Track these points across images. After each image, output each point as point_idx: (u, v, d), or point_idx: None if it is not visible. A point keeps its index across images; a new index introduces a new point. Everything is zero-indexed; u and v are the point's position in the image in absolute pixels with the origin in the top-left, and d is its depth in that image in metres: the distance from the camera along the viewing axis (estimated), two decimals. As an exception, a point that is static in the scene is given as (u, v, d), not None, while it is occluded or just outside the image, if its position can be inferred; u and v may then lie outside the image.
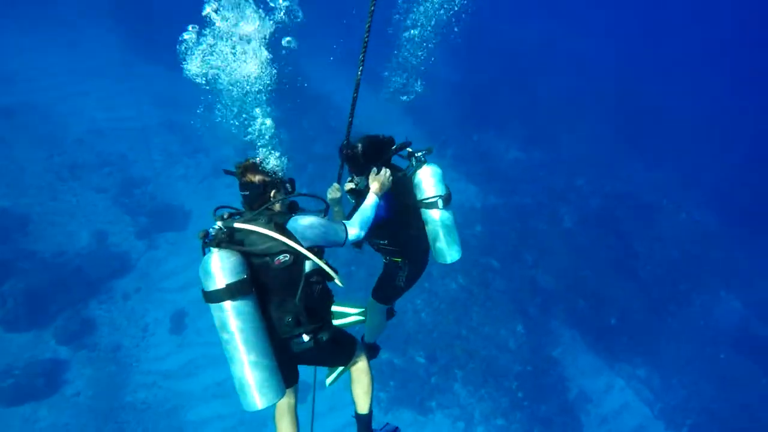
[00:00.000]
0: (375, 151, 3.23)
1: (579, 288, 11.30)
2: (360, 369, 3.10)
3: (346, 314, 4.17)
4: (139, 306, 9.96)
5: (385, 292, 3.72)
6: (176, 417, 8.53)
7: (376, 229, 3.25)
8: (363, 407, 3.13)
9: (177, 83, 15.44)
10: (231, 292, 2.25)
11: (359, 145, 3.23)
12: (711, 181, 16.43)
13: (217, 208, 2.45)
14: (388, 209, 3.21)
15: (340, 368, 3.92)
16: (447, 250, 3.40)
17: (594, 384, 10.31)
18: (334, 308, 4.14)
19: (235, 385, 2.36)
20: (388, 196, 3.19)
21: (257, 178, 2.50)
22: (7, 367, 8.18)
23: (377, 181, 2.97)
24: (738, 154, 18.67)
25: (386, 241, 3.44)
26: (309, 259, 2.46)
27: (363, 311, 4.23)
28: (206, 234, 2.34)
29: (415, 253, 3.51)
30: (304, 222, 2.47)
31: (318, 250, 2.52)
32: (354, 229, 2.68)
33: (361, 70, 2.66)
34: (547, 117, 17.53)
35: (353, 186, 3.33)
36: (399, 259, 3.49)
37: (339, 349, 2.90)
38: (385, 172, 3.03)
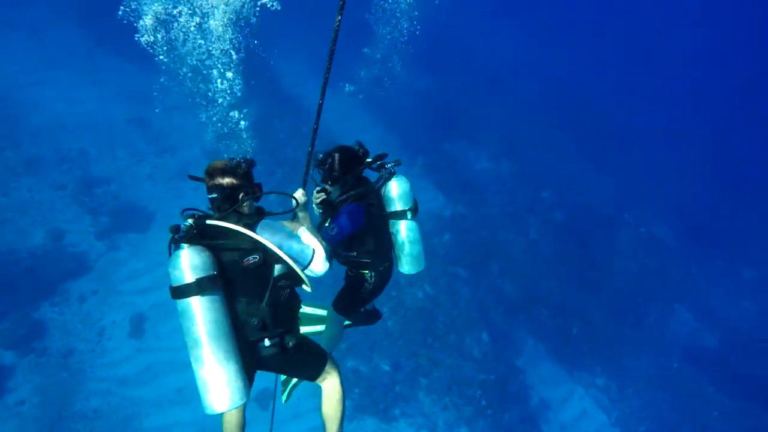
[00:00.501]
0: (350, 163, 3.24)
1: (543, 298, 11.57)
2: (331, 387, 2.94)
3: (316, 315, 4.13)
4: (96, 309, 9.56)
5: (348, 304, 3.71)
6: (131, 425, 8.20)
7: (346, 241, 3.25)
8: (333, 427, 3.00)
9: (144, 78, 15.02)
10: (200, 287, 2.22)
11: (336, 155, 3.22)
12: (670, 198, 17.19)
13: (184, 210, 2.40)
14: (359, 221, 3.20)
15: (294, 381, 3.83)
16: (411, 261, 3.50)
17: (555, 392, 10.55)
18: (305, 309, 4.09)
19: (198, 387, 2.28)
20: (358, 208, 3.18)
21: (225, 180, 2.46)
22: (-56, 373, 7.71)
23: (304, 220, 2.85)
24: (696, 174, 19.60)
25: (355, 253, 3.42)
26: (279, 261, 2.43)
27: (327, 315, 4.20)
28: (177, 229, 2.29)
29: (382, 264, 3.51)
30: (274, 226, 2.46)
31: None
32: (317, 263, 2.56)
33: (327, 78, 2.64)
34: (515, 129, 17.95)
35: (324, 197, 3.30)
36: (366, 271, 3.49)
37: (307, 359, 2.82)
38: (303, 212, 2.89)
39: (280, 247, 2.40)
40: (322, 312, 4.15)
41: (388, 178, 3.40)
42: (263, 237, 2.35)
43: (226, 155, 2.62)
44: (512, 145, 17.15)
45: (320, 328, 4.11)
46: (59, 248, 10.16)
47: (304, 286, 2.59)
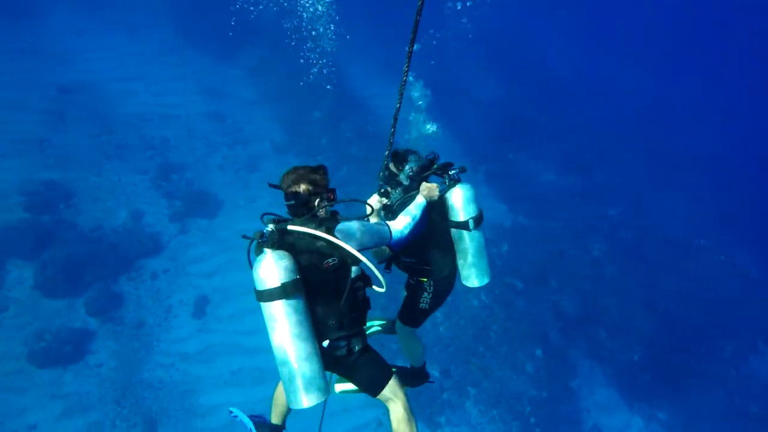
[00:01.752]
0: (420, 170, 3.28)
1: (602, 319, 11.01)
2: (398, 410, 2.69)
3: (371, 324, 4.18)
4: (166, 287, 10.17)
5: (411, 315, 3.65)
6: (189, 400, 8.64)
7: (406, 247, 3.25)
8: None
9: (223, 75, 15.99)
10: (285, 291, 2.31)
11: (406, 164, 3.27)
12: (755, 225, 15.79)
13: (264, 214, 2.53)
14: (420, 227, 3.18)
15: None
16: (475, 273, 3.37)
17: (610, 420, 9.99)
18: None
19: (283, 383, 2.41)
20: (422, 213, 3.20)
21: (302, 187, 2.57)
22: (41, 331, 8.50)
23: (428, 189, 3.06)
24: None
25: (415, 260, 3.40)
26: (357, 263, 2.52)
27: (384, 323, 4.22)
28: (261, 234, 2.41)
29: (441, 273, 3.44)
30: (350, 226, 2.55)
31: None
32: (397, 225, 2.77)
33: (404, 82, 2.61)
34: (583, 143, 17.31)
35: (386, 201, 3.30)
36: (425, 279, 3.44)
37: (370, 368, 2.73)
38: (436, 186, 3.10)
39: (362, 245, 2.52)
40: (375, 322, 4.19)
41: (452, 185, 3.31)
42: (342, 240, 2.44)
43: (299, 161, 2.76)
44: (580, 159, 16.55)
45: (371, 330, 4.16)
46: (138, 228, 10.94)
47: (376, 287, 2.67)
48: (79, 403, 8.02)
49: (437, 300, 3.53)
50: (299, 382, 2.35)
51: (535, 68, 20.98)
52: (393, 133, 3.06)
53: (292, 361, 2.35)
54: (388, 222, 2.77)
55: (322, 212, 2.61)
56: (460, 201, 3.27)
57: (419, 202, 3.00)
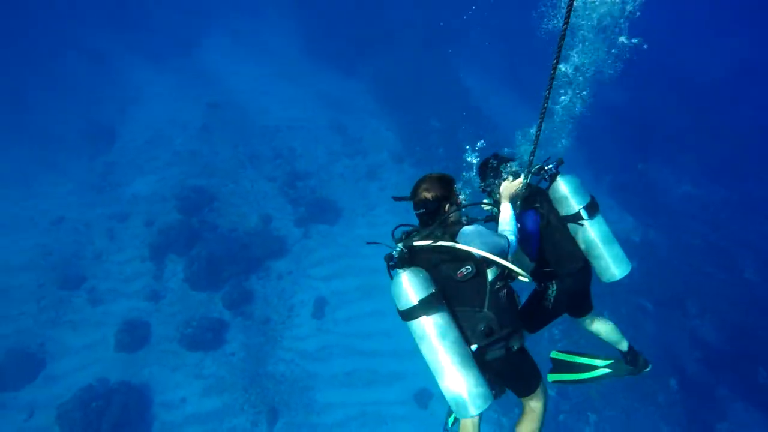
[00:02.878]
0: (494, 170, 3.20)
1: (761, 354, 9.46)
2: (535, 409, 2.79)
3: (592, 363, 3.89)
4: (289, 287, 10.87)
5: (531, 317, 3.41)
6: (306, 395, 9.09)
7: (523, 252, 3.14)
8: None
9: (345, 88, 16.95)
10: (424, 307, 2.36)
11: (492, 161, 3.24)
12: None
13: (396, 228, 2.60)
14: (533, 229, 3.07)
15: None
16: (612, 263, 3.10)
17: (772, 476, 8.53)
18: (579, 359, 3.92)
19: (445, 396, 2.42)
20: (531, 215, 3.07)
21: (431, 194, 2.57)
22: (189, 318, 9.71)
23: (507, 188, 2.92)
24: None
25: (535, 264, 3.24)
26: (491, 265, 2.46)
27: (612, 363, 3.88)
28: (391, 257, 2.49)
29: (566, 271, 3.21)
30: (472, 231, 2.48)
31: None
32: (511, 237, 2.65)
33: (545, 108, 2.44)
34: (727, 151, 15.19)
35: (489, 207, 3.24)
36: (550, 282, 3.24)
37: (525, 369, 2.72)
38: (517, 181, 2.93)
39: (484, 244, 2.43)
40: (599, 361, 3.84)
41: (553, 179, 3.12)
42: (467, 245, 2.40)
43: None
44: (723, 168, 14.56)
45: (594, 373, 3.82)
46: (267, 231, 11.92)
47: (520, 278, 2.57)
48: (216, 385, 8.98)
49: (564, 303, 3.30)
50: (462, 393, 2.34)
51: (668, 70, 18.95)
52: (531, 162, 2.85)
53: (450, 373, 2.35)
54: (509, 238, 2.64)
55: (452, 217, 2.60)
56: (565, 193, 3.09)
57: (507, 211, 2.83)
